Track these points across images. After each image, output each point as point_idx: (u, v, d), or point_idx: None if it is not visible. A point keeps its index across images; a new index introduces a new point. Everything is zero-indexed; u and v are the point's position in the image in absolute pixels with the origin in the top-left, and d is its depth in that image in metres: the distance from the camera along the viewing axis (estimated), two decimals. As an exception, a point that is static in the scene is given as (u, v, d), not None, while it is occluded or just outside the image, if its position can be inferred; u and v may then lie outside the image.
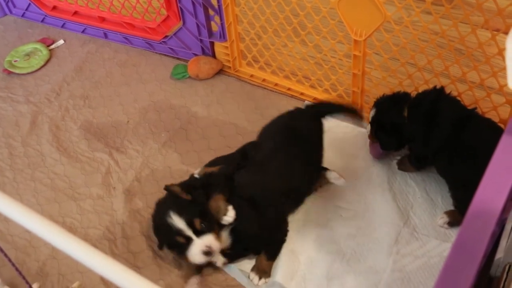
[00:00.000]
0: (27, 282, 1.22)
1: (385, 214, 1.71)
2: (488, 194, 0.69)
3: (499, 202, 0.68)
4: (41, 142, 2.09)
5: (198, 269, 1.63)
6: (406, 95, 1.71)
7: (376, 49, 1.79)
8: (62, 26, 2.60)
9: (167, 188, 1.60)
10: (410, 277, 1.55)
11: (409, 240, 1.65)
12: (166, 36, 2.32)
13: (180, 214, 1.50)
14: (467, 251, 0.63)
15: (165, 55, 2.40)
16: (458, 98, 1.69)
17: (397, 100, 1.71)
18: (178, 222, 1.49)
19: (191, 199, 1.55)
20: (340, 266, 1.60)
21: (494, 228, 0.68)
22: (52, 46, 2.53)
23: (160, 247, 1.61)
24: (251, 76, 2.23)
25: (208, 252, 1.49)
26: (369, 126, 1.79)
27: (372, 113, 1.76)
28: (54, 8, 2.56)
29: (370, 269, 1.59)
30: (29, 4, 2.60)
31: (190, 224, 1.49)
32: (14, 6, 2.69)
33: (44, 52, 2.48)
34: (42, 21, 2.64)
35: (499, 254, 1.42)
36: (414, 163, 1.79)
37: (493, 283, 1.40)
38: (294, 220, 1.72)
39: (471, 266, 0.62)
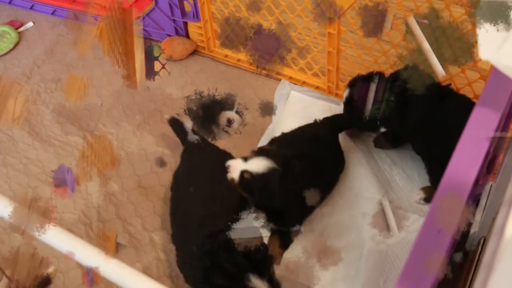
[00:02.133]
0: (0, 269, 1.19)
1: (363, 190, 1.71)
2: (460, 167, 0.69)
3: (471, 175, 0.68)
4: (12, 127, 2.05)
5: None
6: (379, 74, 1.70)
7: (351, 26, 1.78)
8: (31, 8, 2.52)
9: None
10: (388, 251, 1.56)
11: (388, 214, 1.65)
12: (138, 17, 2.27)
13: (263, 276, 1.26)
14: (438, 225, 0.63)
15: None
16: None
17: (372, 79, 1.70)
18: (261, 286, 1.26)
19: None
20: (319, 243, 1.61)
21: (466, 202, 0.68)
22: (21, 29, 2.46)
23: None
24: (226, 56, 2.20)
25: None
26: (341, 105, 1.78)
27: (346, 93, 1.74)
28: (22, -11, 2.49)
29: (350, 244, 1.60)
30: (-4, -15, 2.52)
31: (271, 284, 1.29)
32: (-20, -12, 2.60)
33: (13, 35, 2.41)
34: (10, 3, 2.56)
35: (474, 229, 1.44)
36: (390, 140, 1.80)
37: (468, 257, 1.42)
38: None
39: (443, 240, 0.62)
